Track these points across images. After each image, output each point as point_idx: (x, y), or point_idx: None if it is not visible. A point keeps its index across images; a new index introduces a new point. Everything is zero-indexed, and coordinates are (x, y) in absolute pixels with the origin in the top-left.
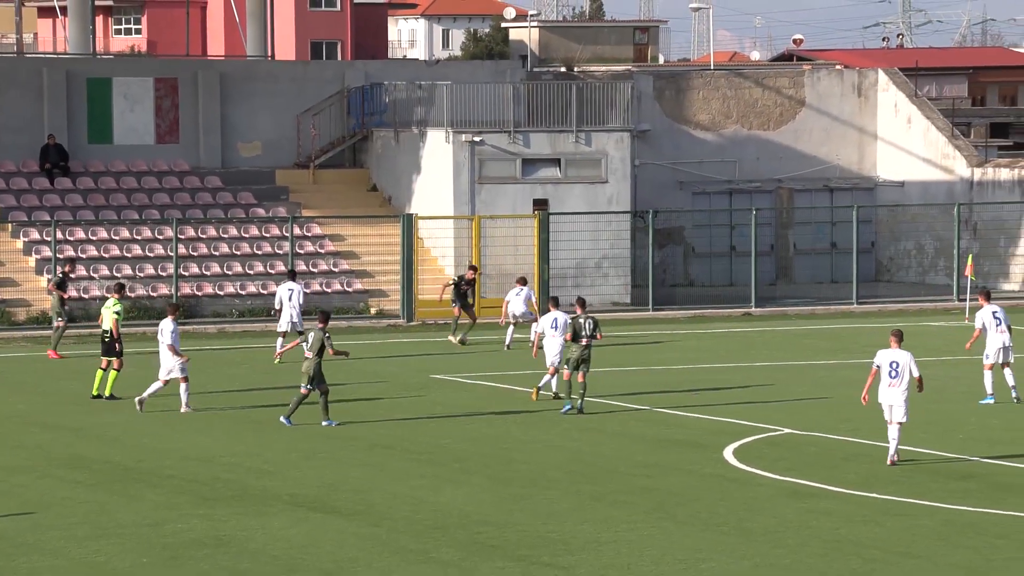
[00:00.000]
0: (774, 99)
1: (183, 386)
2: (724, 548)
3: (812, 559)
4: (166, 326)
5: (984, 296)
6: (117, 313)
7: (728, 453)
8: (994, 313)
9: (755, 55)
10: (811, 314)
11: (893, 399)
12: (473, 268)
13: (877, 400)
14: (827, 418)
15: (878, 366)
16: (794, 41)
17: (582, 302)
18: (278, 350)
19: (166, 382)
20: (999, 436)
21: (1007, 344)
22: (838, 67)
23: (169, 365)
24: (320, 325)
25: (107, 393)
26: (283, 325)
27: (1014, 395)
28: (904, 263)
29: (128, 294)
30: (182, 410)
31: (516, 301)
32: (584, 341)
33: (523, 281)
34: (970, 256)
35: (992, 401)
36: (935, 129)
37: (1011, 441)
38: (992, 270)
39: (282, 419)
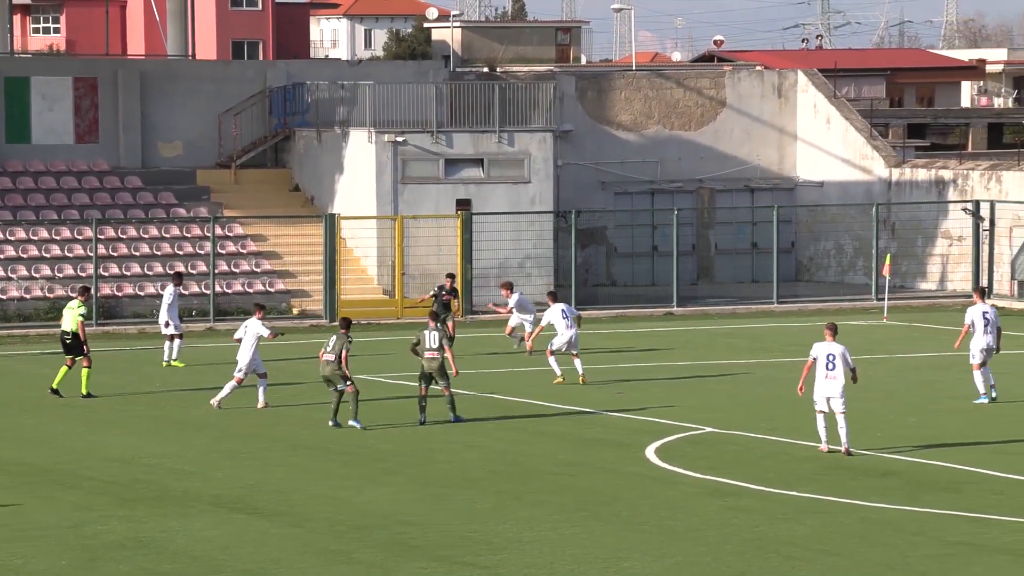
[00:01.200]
0: (695, 100)
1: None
2: (645, 547)
3: (732, 557)
4: (252, 325)
5: (979, 294)
6: (82, 315)
7: (650, 452)
8: (984, 313)
9: (676, 56)
10: (732, 313)
11: (831, 391)
12: (451, 276)
13: (812, 393)
14: (747, 417)
15: (814, 359)
16: (715, 42)
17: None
18: (173, 355)
19: (240, 380)
20: (917, 434)
21: (991, 346)
22: (758, 68)
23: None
24: (342, 331)
25: (83, 392)
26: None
27: (994, 394)
28: (823, 263)
29: (85, 295)
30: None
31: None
32: (434, 354)
33: (508, 287)
34: (888, 256)
35: (986, 401)
36: (854, 130)
37: (929, 439)
38: (910, 270)
39: (352, 423)
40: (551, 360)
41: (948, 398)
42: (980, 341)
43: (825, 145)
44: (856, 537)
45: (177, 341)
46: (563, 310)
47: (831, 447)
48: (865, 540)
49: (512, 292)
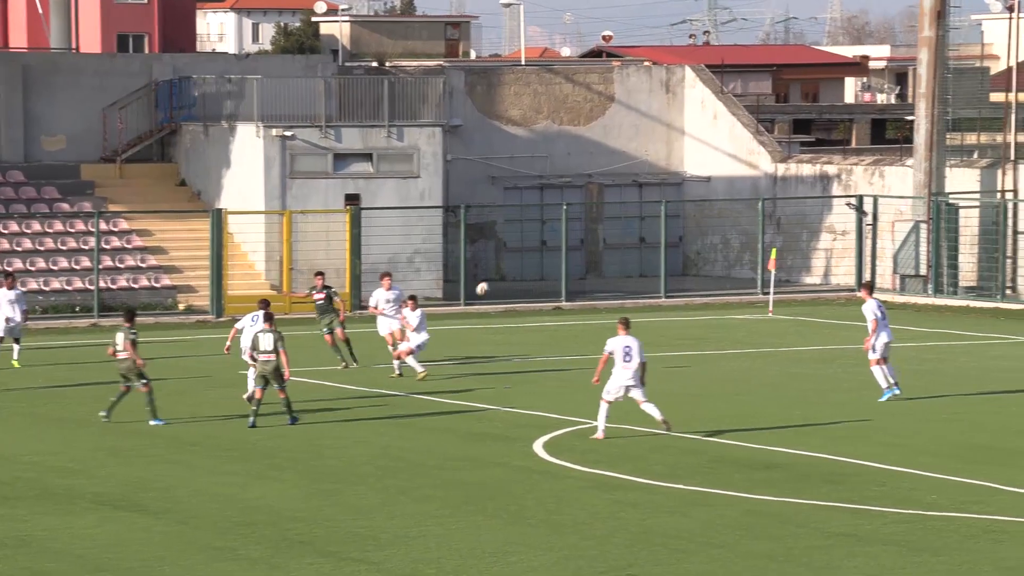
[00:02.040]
0: (584, 95)
1: None
2: (533, 540)
3: (619, 550)
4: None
5: (867, 289)
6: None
7: (538, 446)
8: (880, 307)
9: (566, 51)
10: (620, 307)
11: (627, 380)
12: (320, 274)
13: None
14: (635, 411)
15: (611, 352)
16: (604, 38)
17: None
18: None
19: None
20: (800, 427)
21: (891, 340)
22: (647, 64)
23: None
24: (126, 324)
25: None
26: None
27: (897, 391)
28: (711, 257)
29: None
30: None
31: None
32: (270, 356)
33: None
34: (774, 250)
35: (893, 394)
36: (740, 125)
37: (813, 432)
38: (795, 264)
39: (154, 422)
40: (411, 360)
41: (832, 391)
42: (883, 336)
43: (712, 140)
44: (741, 529)
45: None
46: (422, 313)
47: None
48: (749, 532)
49: (417, 307)
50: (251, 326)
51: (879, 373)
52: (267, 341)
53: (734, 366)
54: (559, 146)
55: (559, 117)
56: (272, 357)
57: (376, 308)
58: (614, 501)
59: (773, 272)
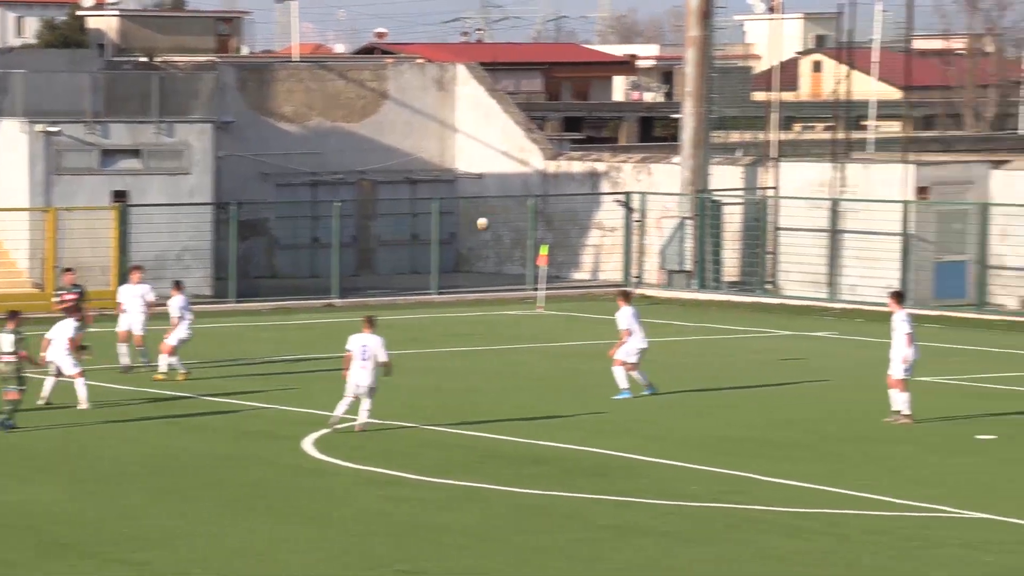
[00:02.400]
0: (357, 92)
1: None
2: (302, 538)
3: (388, 546)
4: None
5: (623, 298)
6: None
7: (307, 444)
8: (635, 314)
9: (339, 48)
10: (392, 304)
11: (362, 379)
12: (69, 270)
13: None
14: (405, 407)
15: (351, 350)
16: (376, 34)
17: None
18: None
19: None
20: (570, 421)
21: (645, 347)
22: (419, 61)
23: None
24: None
25: None
26: None
27: (649, 391)
28: (483, 253)
29: None
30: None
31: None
32: (10, 358)
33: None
34: (544, 246)
35: (629, 396)
36: (512, 123)
37: (582, 426)
38: (565, 260)
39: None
40: (174, 360)
41: (599, 386)
42: (639, 342)
43: (485, 138)
44: (509, 523)
45: None
46: (185, 300)
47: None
48: (518, 526)
49: (180, 293)
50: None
51: (620, 373)
52: (7, 342)
53: (504, 361)
54: (332, 143)
55: (332, 114)
56: (12, 359)
57: (121, 305)
58: (384, 497)
59: (543, 268)
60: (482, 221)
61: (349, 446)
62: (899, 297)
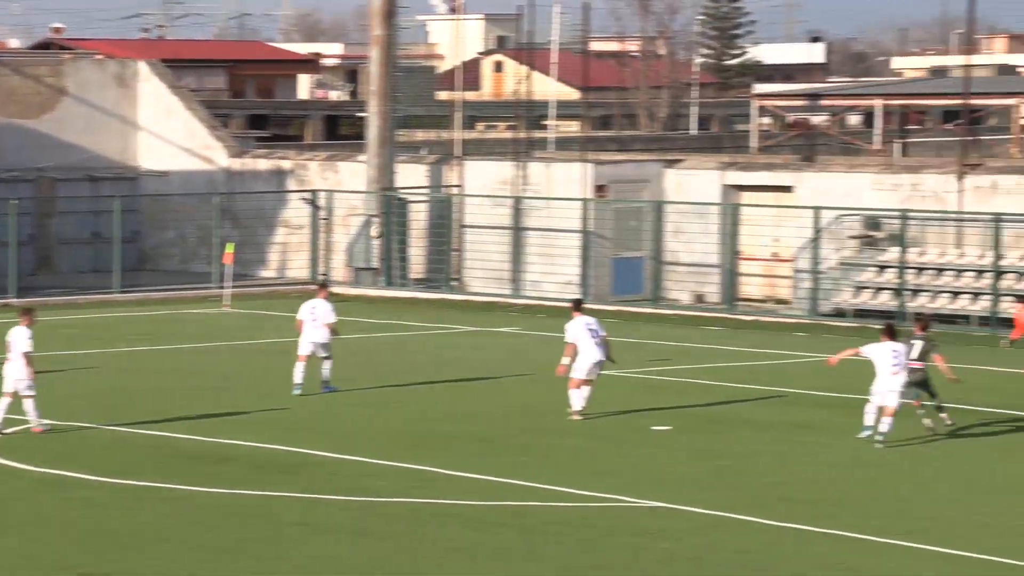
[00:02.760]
0: (34, 88)
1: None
2: None
3: (69, 550)
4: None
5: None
6: None
7: None
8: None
9: (14, 42)
10: (73, 303)
11: (13, 373)
12: None
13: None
14: (88, 407)
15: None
16: (53, 29)
17: None
18: None
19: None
20: (257, 418)
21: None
22: (99, 57)
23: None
24: None
25: None
26: None
27: (326, 390)
28: (168, 252)
29: None
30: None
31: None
32: None
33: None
34: (230, 244)
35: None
36: (196, 120)
37: (266, 424)
38: (251, 258)
39: None
40: None
41: (287, 383)
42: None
43: (168, 135)
44: (193, 523)
45: None
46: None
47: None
48: (202, 525)
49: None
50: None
51: (576, 395)
52: None
53: (190, 360)
54: (9, 140)
55: (7, 110)
56: None
57: None
58: (65, 500)
59: (229, 266)
60: (375, 228)
61: (29, 448)
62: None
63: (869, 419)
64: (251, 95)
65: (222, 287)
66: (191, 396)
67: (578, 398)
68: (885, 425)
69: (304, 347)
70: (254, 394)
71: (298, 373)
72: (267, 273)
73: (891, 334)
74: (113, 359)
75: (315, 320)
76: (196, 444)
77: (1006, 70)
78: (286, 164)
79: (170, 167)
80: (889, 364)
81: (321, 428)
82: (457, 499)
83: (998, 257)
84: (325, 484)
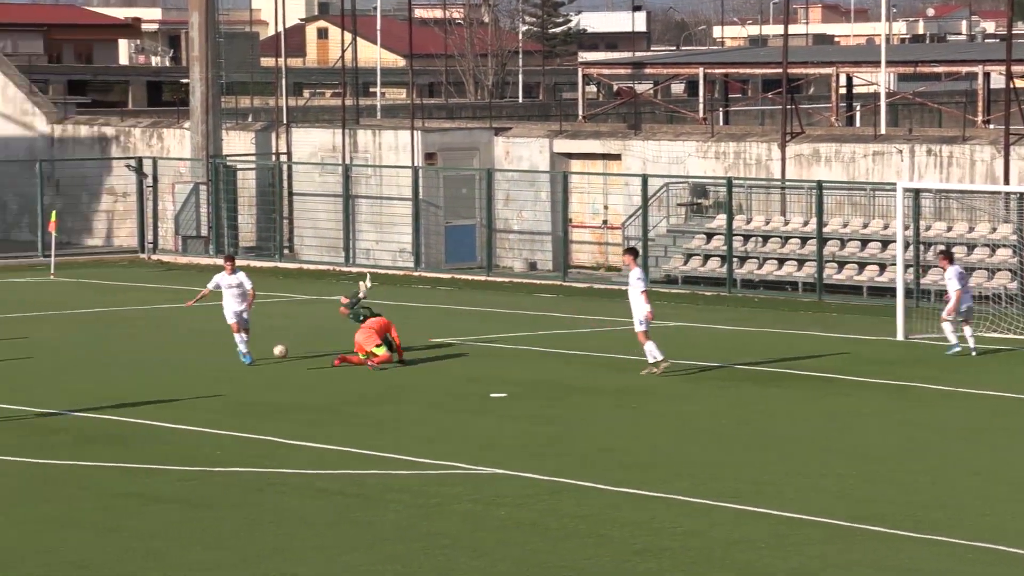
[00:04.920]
0: None
1: None
2: None
3: None
4: None
5: (632, 255)
6: None
7: None
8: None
9: None
10: None
11: None
12: None
13: None
14: None
15: None
16: None
17: None
18: None
19: None
20: (88, 388)
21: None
22: None
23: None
24: None
25: None
26: None
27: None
28: None
29: None
30: None
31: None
32: None
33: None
34: (53, 212)
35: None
36: (13, 86)
37: (97, 393)
38: (76, 226)
39: None
40: None
41: (115, 352)
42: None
43: None
44: (19, 494)
45: None
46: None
47: None
48: (29, 496)
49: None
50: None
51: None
52: None
53: (15, 331)
54: None
55: None
56: None
57: None
58: None
59: (54, 234)
60: (278, 350)
61: None
62: (635, 254)
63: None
64: (70, 60)
65: (47, 256)
66: (18, 366)
67: (655, 349)
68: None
69: (231, 317)
70: (83, 364)
71: (241, 343)
72: (93, 241)
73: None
74: None
75: (231, 289)
76: (21, 414)
77: (823, 39)
78: (109, 131)
79: None
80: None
81: (151, 397)
82: (295, 468)
83: (821, 224)
84: (159, 454)
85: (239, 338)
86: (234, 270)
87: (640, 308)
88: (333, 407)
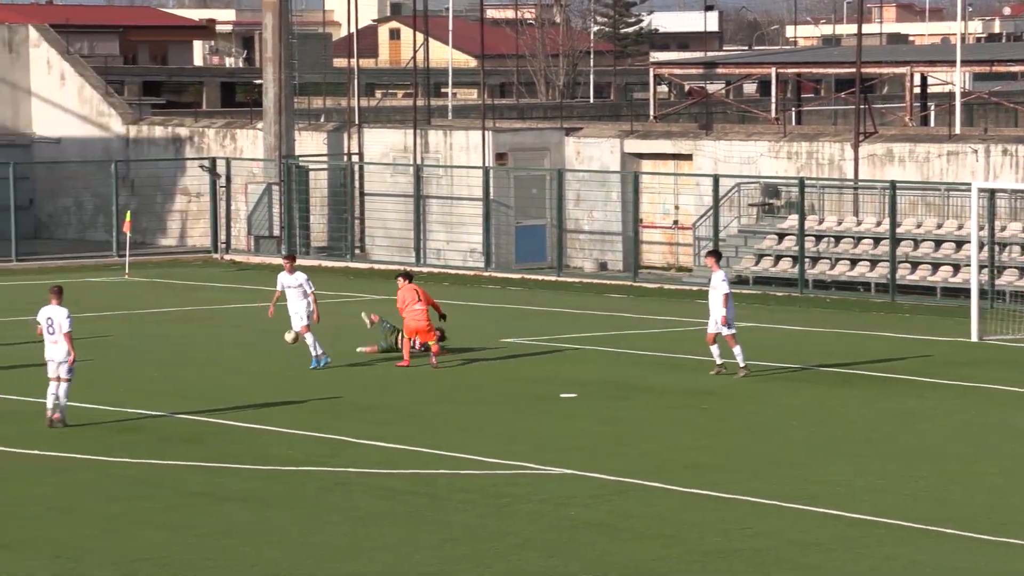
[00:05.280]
0: None
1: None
2: None
3: None
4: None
5: (715, 258)
6: None
7: None
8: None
9: None
10: None
11: (54, 354)
12: None
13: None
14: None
15: (38, 320)
16: None
17: None
18: None
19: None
20: (162, 388)
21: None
22: None
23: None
24: None
25: None
26: None
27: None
28: (64, 220)
29: None
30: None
31: None
32: None
33: None
34: (128, 212)
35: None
36: (89, 87)
37: (173, 393)
38: (150, 226)
39: None
40: None
41: (191, 351)
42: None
43: (61, 102)
44: (95, 492)
45: None
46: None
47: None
48: (104, 495)
49: None
50: None
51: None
52: None
53: (91, 330)
54: None
55: None
56: None
57: None
58: None
59: (129, 235)
60: (290, 336)
61: None
62: (718, 256)
63: None
64: (145, 61)
65: (122, 255)
66: (94, 366)
67: (739, 353)
68: None
69: (296, 321)
70: (157, 362)
71: (312, 346)
72: (167, 241)
73: None
74: (11, 329)
75: (291, 290)
76: (99, 414)
77: (897, 39)
78: (183, 131)
79: (64, 134)
80: None
81: (226, 397)
82: (364, 467)
83: (895, 224)
84: (232, 453)
85: (310, 339)
86: (293, 269)
87: (718, 310)
88: (404, 407)
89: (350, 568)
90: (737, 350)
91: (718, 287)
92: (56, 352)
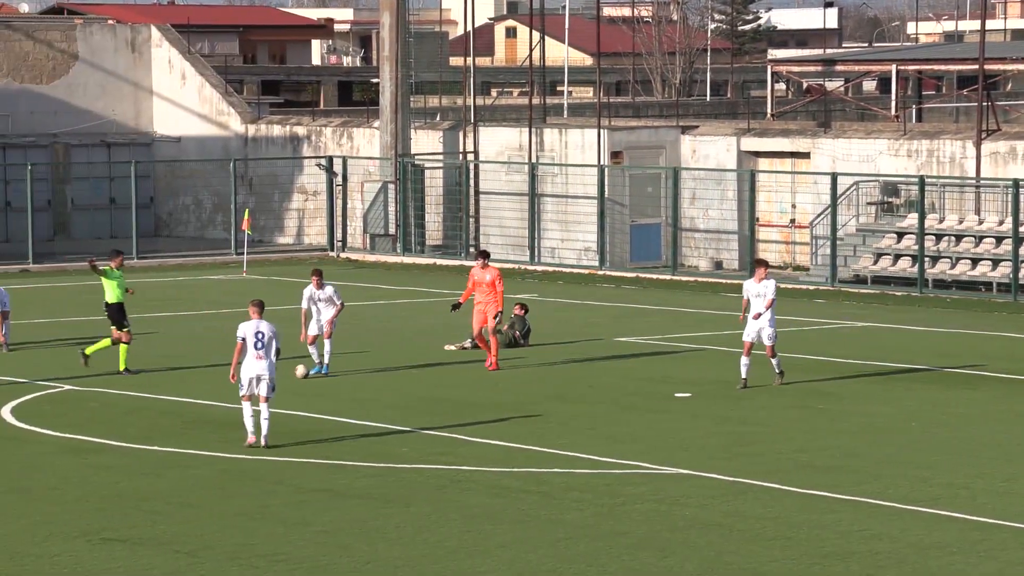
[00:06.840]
0: (46, 52)
1: None
2: (3, 508)
3: (92, 514)
4: None
5: (763, 266)
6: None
7: (6, 412)
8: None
9: (24, 7)
10: (88, 269)
11: (259, 370)
12: None
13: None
14: (106, 373)
15: (243, 338)
16: None
17: None
18: None
19: None
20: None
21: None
22: (110, 22)
23: None
24: None
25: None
26: None
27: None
28: (183, 218)
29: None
30: None
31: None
32: None
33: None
34: (247, 211)
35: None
36: (209, 86)
37: (288, 390)
38: (268, 224)
39: None
40: None
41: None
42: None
43: (181, 100)
44: (215, 488)
45: None
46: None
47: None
48: (224, 491)
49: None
50: None
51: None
52: None
53: (209, 326)
54: (21, 105)
55: (20, 75)
56: None
57: None
58: (86, 465)
59: (247, 232)
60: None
61: (50, 414)
62: (768, 264)
63: None
64: (263, 60)
65: (240, 253)
66: (212, 362)
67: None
68: None
69: (313, 328)
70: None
71: (314, 354)
72: (284, 239)
73: None
74: (133, 325)
75: (321, 304)
76: (217, 410)
77: (1022, 34)
78: (301, 130)
79: (184, 133)
80: None
81: (341, 395)
82: (478, 466)
83: (1017, 223)
84: (347, 450)
85: (328, 345)
86: (321, 284)
87: (765, 319)
88: (518, 405)
89: (466, 565)
90: (776, 360)
91: (767, 294)
92: (262, 368)
